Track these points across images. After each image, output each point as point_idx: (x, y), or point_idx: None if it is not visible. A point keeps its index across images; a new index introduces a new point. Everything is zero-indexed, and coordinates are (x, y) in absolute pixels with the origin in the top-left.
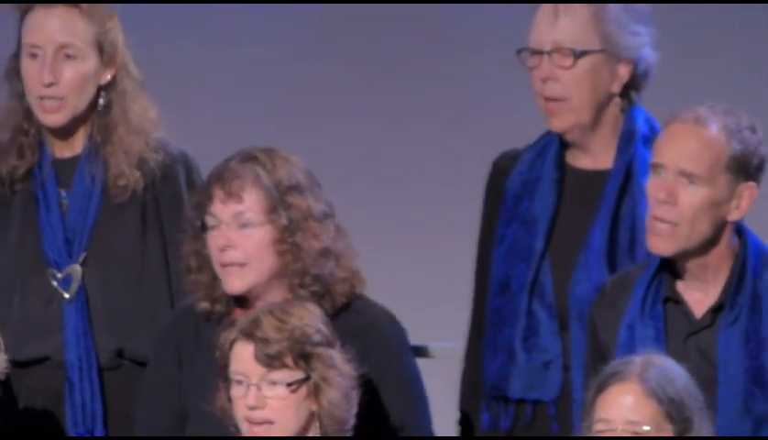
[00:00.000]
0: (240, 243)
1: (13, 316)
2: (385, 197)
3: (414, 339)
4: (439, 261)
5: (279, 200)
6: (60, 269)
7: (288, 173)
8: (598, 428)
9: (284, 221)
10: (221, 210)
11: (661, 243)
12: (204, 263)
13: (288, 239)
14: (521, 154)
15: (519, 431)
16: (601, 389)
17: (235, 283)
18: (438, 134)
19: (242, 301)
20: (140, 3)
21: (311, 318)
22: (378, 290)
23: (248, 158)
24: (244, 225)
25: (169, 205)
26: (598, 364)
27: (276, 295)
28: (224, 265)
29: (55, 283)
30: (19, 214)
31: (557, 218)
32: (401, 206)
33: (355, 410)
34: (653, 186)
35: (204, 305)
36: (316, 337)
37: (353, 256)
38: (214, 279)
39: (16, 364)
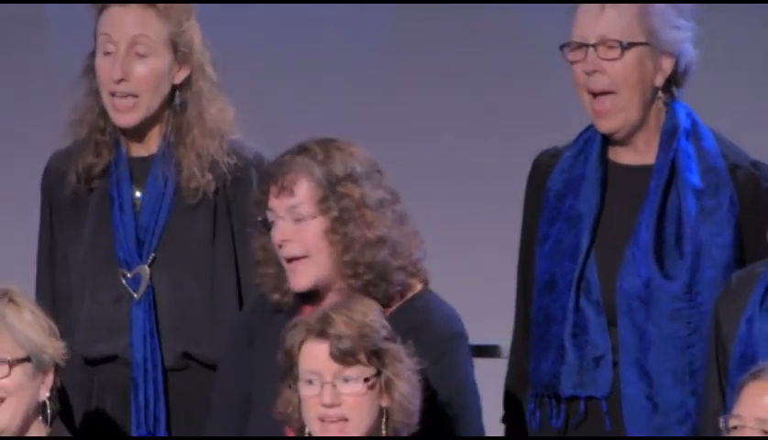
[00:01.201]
0: (297, 236)
1: (84, 313)
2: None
3: (488, 338)
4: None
5: (330, 190)
6: (129, 269)
7: (342, 163)
8: (733, 424)
9: (335, 212)
10: (276, 204)
11: None
12: (271, 256)
13: (339, 230)
14: (562, 152)
15: (571, 429)
16: (741, 385)
17: (299, 281)
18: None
19: (308, 295)
20: (216, 2)
21: (374, 314)
22: (449, 287)
23: (301, 150)
24: (298, 219)
25: (240, 209)
26: (720, 358)
27: (341, 286)
28: (287, 260)
29: (125, 283)
30: (94, 211)
31: (602, 215)
32: (478, 202)
33: (420, 403)
34: None
35: (275, 296)
36: (383, 332)
37: (415, 243)
38: (282, 271)
39: (87, 361)
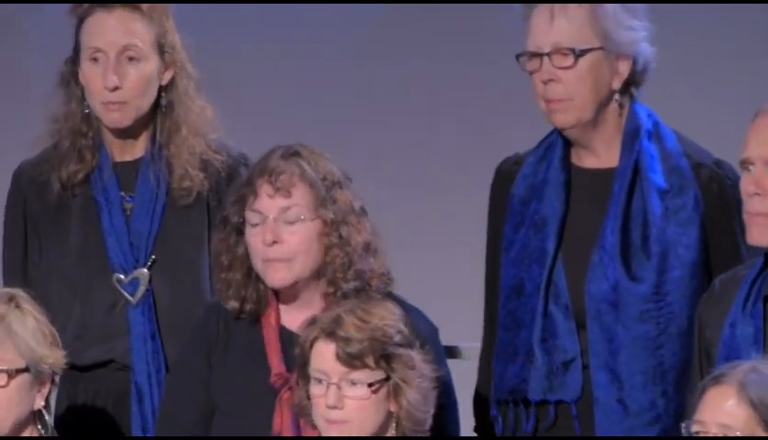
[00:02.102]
0: (287, 238)
1: (74, 321)
2: (418, 196)
3: (444, 340)
4: (470, 260)
5: (325, 194)
6: (125, 274)
7: (329, 169)
8: (695, 429)
9: (331, 215)
10: (268, 205)
11: (758, 234)
12: (236, 261)
13: (335, 233)
14: (524, 158)
15: (542, 433)
16: (703, 390)
17: (279, 277)
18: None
19: (276, 297)
20: (192, 2)
21: (391, 318)
22: (408, 289)
23: (291, 153)
24: (291, 221)
25: None
26: (704, 363)
27: (315, 291)
28: (269, 260)
29: (120, 288)
30: (79, 218)
31: (567, 219)
32: (433, 205)
33: (432, 411)
34: (744, 183)
35: (234, 304)
36: (397, 338)
37: (385, 254)
38: (246, 277)
39: (75, 368)
